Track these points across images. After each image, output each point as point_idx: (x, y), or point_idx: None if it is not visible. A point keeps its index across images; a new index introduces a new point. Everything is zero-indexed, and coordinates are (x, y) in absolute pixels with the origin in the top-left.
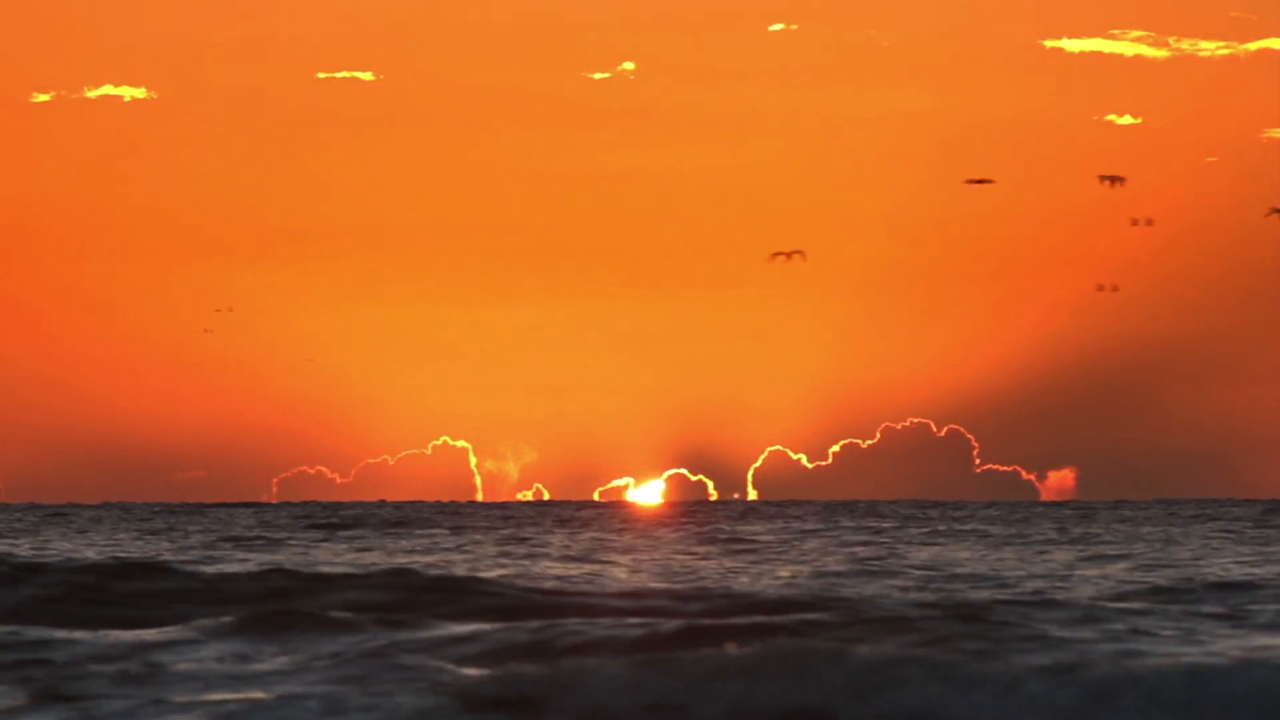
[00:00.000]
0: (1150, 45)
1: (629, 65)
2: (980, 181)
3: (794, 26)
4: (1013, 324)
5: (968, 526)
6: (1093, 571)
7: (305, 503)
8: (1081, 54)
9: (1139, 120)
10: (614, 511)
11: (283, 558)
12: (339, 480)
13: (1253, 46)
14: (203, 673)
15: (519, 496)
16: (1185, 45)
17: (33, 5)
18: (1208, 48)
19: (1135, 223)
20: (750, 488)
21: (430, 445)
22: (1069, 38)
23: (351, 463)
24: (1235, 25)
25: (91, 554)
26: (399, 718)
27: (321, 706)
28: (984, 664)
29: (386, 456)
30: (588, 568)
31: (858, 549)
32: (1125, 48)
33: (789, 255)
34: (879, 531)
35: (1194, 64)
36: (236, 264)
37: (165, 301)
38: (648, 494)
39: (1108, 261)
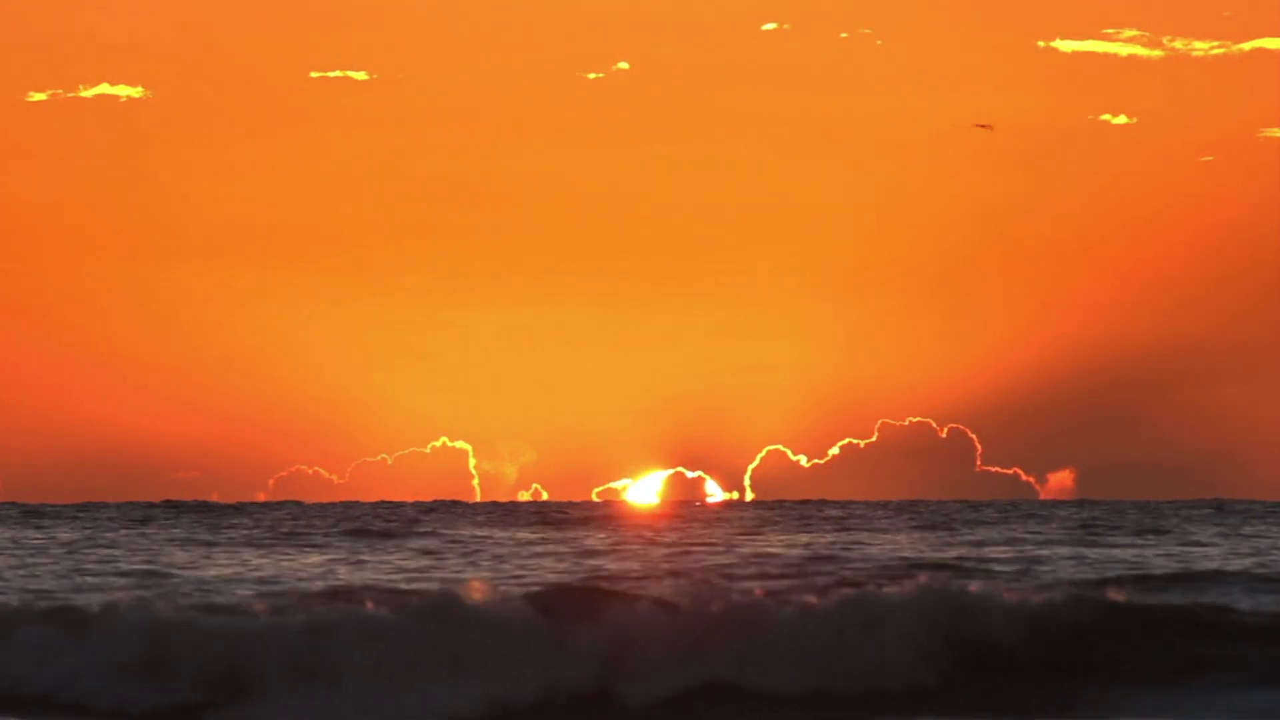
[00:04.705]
0: (1144, 45)
1: (624, 65)
2: (983, 126)
3: (787, 26)
4: (1014, 324)
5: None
6: None
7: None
8: (1075, 54)
9: (1134, 120)
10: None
11: None
12: (336, 480)
13: (1247, 46)
14: None
15: (520, 497)
16: (1179, 45)
17: (28, 4)
18: (1201, 47)
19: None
20: (748, 488)
21: (429, 446)
22: (1062, 38)
23: (348, 462)
24: (1229, 25)
25: None
26: None
27: None
28: None
29: (385, 456)
30: None
31: None
32: (1119, 48)
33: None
34: None
35: (1188, 63)
36: (233, 263)
37: (161, 300)
38: (645, 494)
39: (1108, 260)
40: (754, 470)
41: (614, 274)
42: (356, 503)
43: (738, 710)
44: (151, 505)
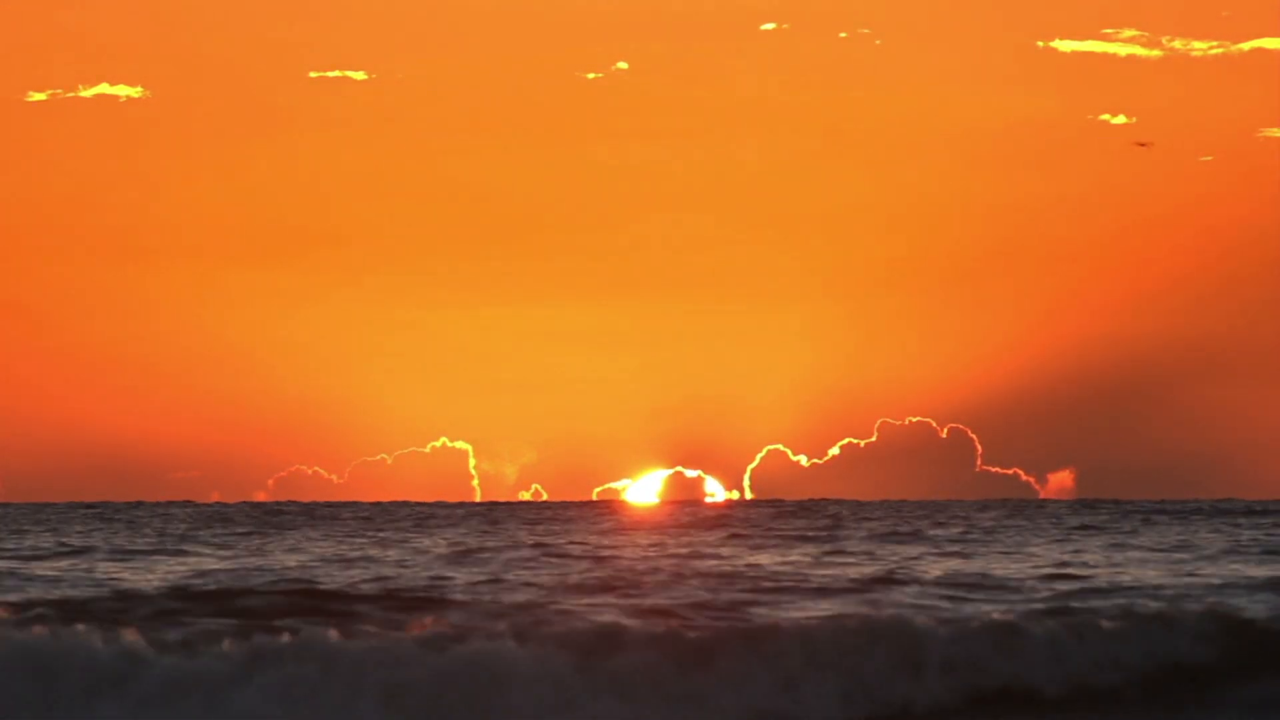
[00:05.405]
0: (1144, 45)
1: (623, 65)
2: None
3: (786, 25)
4: (1013, 324)
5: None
6: None
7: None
8: (1075, 54)
9: (1133, 120)
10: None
11: None
12: (336, 480)
13: (1246, 46)
14: None
15: (520, 496)
16: (1179, 45)
17: (28, 4)
18: (1200, 47)
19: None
20: (748, 488)
21: (429, 446)
22: (1062, 38)
23: (348, 462)
24: (1228, 25)
25: None
26: None
27: None
28: None
29: (385, 456)
30: None
31: None
32: (1119, 48)
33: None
34: None
35: (1187, 63)
36: (231, 263)
37: (158, 300)
38: (645, 494)
39: (1107, 260)
40: (754, 470)
41: (614, 274)
42: (352, 502)
43: None
44: (81, 505)
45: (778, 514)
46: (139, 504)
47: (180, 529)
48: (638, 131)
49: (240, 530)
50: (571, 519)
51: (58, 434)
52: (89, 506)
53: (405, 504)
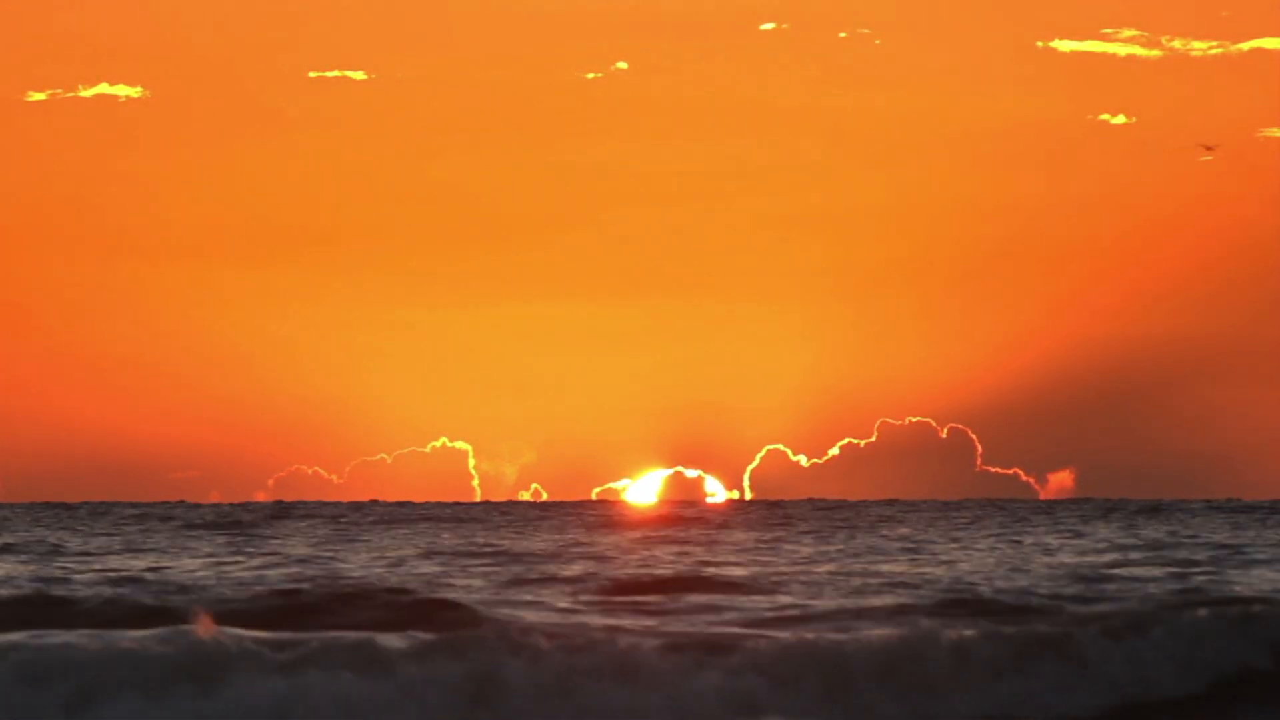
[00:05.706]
0: (1143, 45)
1: (622, 65)
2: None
3: (785, 25)
4: (1014, 325)
5: None
6: None
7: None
8: (1074, 54)
9: (1133, 120)
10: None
11: None
12: (335, 480)
13: (1246, 46)
14: None
15: (520, 496)
16: (1178, 45)
17: (28, 4)
18: (1200, 47)
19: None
20: (748, 488)
21: (429, 446)
22: (1062, 38)
23: (347, 462)
24: (1227, 25)
25: None
26: None
27: None
28: None
29: (384, 456)
30: None
31: None
32: (1118, 48)
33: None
34: None
35: (1186, 63)
36: (231, 262)
37: (157, 300)
38: (645, 494)
39: (1107, 260)
40: (754, 470)
41: (614, 273)
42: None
43: None
44: (49, 505)
45: (742, 515)
46: (103, 504)
47: (130, 531)
48: (638, 131)
49: (168, 532)
50: (522, 519)
51: (57, 434)
52: (67, 507)
53: (374, 504)
